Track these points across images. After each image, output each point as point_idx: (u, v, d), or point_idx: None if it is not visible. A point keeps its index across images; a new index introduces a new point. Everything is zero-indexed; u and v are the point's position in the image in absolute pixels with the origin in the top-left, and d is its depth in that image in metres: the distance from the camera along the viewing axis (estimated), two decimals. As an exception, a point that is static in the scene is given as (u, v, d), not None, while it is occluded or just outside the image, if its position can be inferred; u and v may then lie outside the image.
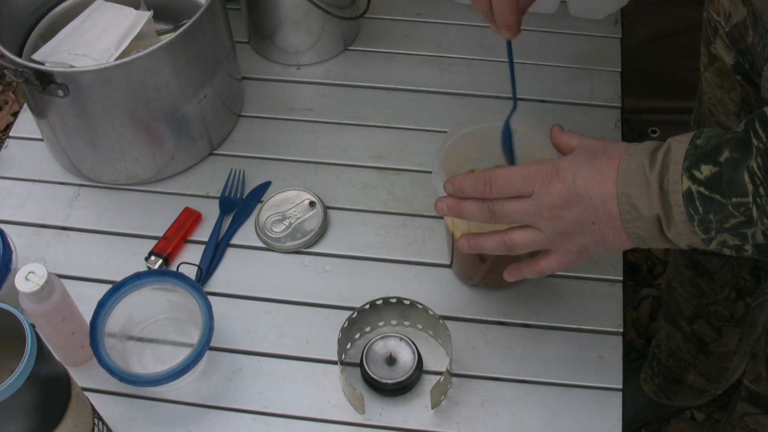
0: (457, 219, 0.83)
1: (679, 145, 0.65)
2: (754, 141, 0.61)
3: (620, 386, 0.86)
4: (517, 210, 0.72)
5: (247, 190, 1.02)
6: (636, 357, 1.55)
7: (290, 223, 0.97)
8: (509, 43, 0.81)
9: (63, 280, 0.81)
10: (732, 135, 0.63)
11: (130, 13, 1.02)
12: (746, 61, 0.88)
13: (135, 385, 0.81)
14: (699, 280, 1.19)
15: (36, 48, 1.02)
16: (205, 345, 0.82)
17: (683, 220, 0.65)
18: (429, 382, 0.85)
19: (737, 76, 0.90)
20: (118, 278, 0.95)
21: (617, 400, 0.85)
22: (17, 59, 0.89)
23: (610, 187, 0.67)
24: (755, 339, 1.26)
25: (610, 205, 0.68)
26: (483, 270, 0.89)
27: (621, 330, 0.89)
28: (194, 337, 0.86)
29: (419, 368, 0.85)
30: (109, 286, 0.94)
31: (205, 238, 0.97)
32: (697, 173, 0.63)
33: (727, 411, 1.23)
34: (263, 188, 1.02)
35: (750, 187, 0.61)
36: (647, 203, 0.66)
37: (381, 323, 0.90)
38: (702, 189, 0.63)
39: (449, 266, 0.94)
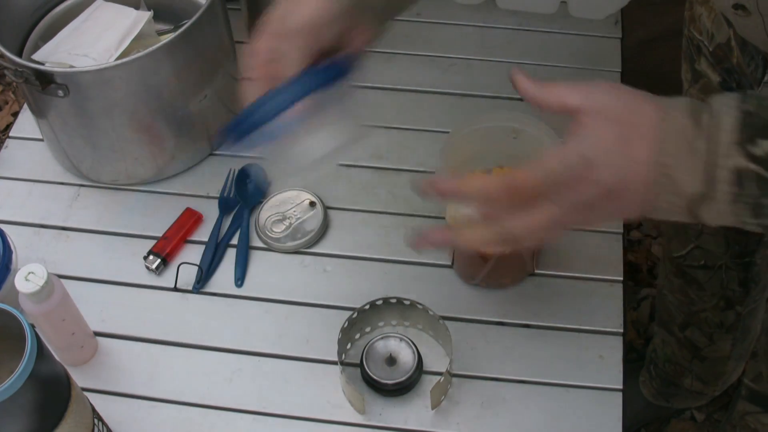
0: (459, 219, 0.83)
1: (728, 110, 0.55)
2: None
3: (620, 386, 0.85)
4: (542, 223, 0.60)
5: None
6: (636, 357, 1.55)
7: (290, 224, 0.97)
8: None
9: (63, 280, 0.81)
10: None
11: (130, 13, 1.02)
12: (732, 80, 0.88)
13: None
14: (688, 288, 1.19)
15: (36, 48, 1.02)
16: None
17: (727, 200, 0.55)
18: (429, 382, 0.85)
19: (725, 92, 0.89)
20: (118, 278, 0.95)
21: (617, 400, 0.85)
22: (17, 59, 0.89)
23: (645, 173, 0.57)
24: (754, 338, 1.26)
25: (644, 189, 0.58)
26: (485, 269, 0.89)
27: (621, 330, 0.89)
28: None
29: (419, 368, 0.85)
30: (109, 287, 0.94)
31: (206, 239, 0.97)
32: (754, 149, 0.53)
33: (728, 410, 1.23)
34: (263, 188, 1.02)
35: None
36: (690, 177, 0.55)
37: (381, 323, 0.90)
38: (760, 169, 0.53)
39: (450, 266, 0.94)
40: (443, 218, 0.91)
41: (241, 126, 0.65)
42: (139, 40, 1.00)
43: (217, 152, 1.06)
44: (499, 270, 0.89)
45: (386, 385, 0.84)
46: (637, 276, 1.72)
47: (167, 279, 0.94)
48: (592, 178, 0.57)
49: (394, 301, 0.87)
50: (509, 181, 0.59)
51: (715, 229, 1.07)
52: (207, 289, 0.94)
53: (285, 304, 0.93)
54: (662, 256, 1.25)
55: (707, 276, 1.14)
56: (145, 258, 0.95)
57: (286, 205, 0.99)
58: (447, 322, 0.85)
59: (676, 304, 1.24)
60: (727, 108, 0.55)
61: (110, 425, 0.81)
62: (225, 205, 1.00)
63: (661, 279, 1.28)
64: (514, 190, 0.59)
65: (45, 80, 0.89)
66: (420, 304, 0.86)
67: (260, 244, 0.97)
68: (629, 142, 0.57)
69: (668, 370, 1.37)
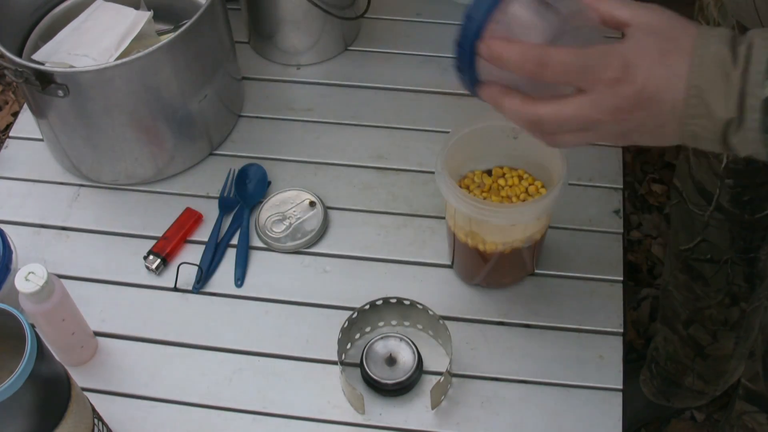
0: (459, 218, 0.83)
1: (763, 42, 0.56)
2: None
3: (620, 386, 0.85)
4: (574, 113, 0.60)
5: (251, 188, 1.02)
6: (636, 357, 1.55)
7: (290, 224, 0.97)
8: None
9: (63, 280, 0.81)
10: None
11: (130, 13, 1.02)
12: None
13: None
14: (693, 284, 1.19)
15: (36, 48, 1.02)
16: None
17: (756, 128, 0.56)
18: (429, 382, 0.85)
19: None
20: (118, 278, 0.95)
21: (617, 400, 0.85)
22: (17, 59, 0.89)
23: (683, 87, 0.58)
24: (752, 339, 1.26)
25: (679, 106, 0.58)
26: (485, 269, 0.89)
27: (621, 330, 0.89)
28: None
29: (419, 368, 0.85)
30: (109, 287, 0.94)
31: (206, 239, 0.97)
32: None
33: (727, 410, 1.23)
34: (263, 188, 1.02)
35: None
36: (723, 103, 0.57)
37: (381, 323, 0.90)
38: None
39: (450, 266, 0.94)
40: (443, 218, 0.91)
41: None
42: (139, 40, 1.00)
43: (217, 152, 1.06)
44: (499, 270, 0.89)
45: (386, 385, 0.84)
46: (637, 276, 1.72)
47: (167, 279, 0.94)
48: (627, 78, 0.58)
49: (394, 301, 0.87)
50: (543, 52, 0.59)
51: (719, 222, 1.08)
52: (207, 289, 0.94)
53: (285, 304, 0.93)
54: (668, 252, 1.24)
55: (713, 270, 1.14)
56: (145, 258, 0.95)
57: (286, 205, 0.99)
58: (447, 322, 0.85)
59: (681, 301, 1.24)
60: (762, 40, 0.56)
61: (110, 425, 0.81)
62: (225, 205, 1.00)
63: (666, 275, 1.28)
64: (547, 62, 0.59)
65: (45, 80, 0.89)
66: (420, 304, 0.86)
67: (260, 244, 0.97)
68: (669, 54, 0.58)
69: (670, 369, 1.37)
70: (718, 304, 1.19)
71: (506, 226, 0.81)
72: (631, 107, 0.59)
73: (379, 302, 0.87)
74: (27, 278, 0.76)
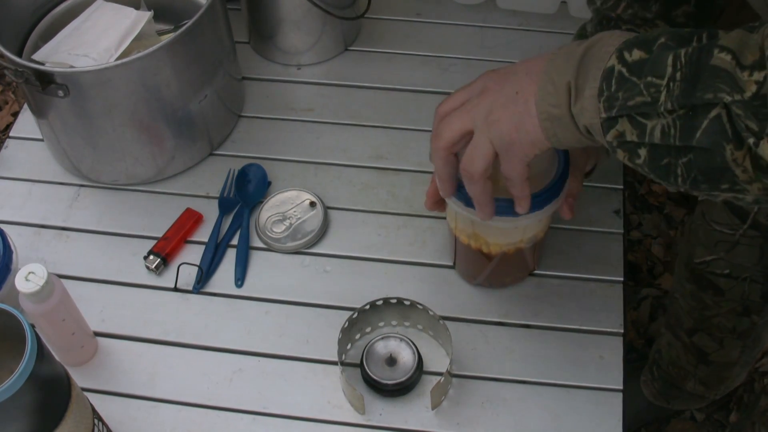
0: (461, 221, 0.83)
1: (618, 34, 0.63)
2: (695, 43, 0.58)
3: (620, 387, 0.85)
4: (453, 115, 0.72)
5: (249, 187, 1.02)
6: (636, 357, 1.55)
7: (291, 224, 0.97)
8: None
9: (63, 280, 0.81)
10: (678, 30, 0.60)
11: (130, 13, 1.02)
12: None
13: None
14: (702, 294, 1.17)
15: (36, 48, 1.02)
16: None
17: (593, 95, 0.61)
18: (429, 382, 0.85)
19: None
20: (118, 278, 0.95)
21: (617, 400, 0.85)
22: (17, 59, 0.89)
23: (540, 65, 0.66)
24: (759, 350, 1.25)
25: (533, 82, 0.66)
26: (488, 269, 0.89)
27: (621, 330, 0.89)
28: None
29: (419, 369, 0.85)
30: (109, 287, 0.94)
31: (206, 239, 0.97)
32: (627, 55, 0.60)
33: (747, 408, 1.22)
34: (263, 188, 1.02)
35: (669, 70, 0.57)
36: (563, 70, 0.63)
37: (381, 324, 0.90)
38: (624, 70, 0.60)
39: (451, 267, 0.94)
40: (443, 218, 0.91)
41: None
42: (139, 40, 1.00)
43: (217, 152, 1.06)
44: (501, 269, 0.89)
45: (386, 385, 0.84)
46: (637, 276, 1.72)
47: (167, 279, 0.94)
48: (486, 78, 0.71)
49: (394, 301, 0.87)
50: (435, 128, 0.75)
51: (751, 239, 1.06)
52: (207, 289, 0.94)
53: (285, 304, 0.93)
54: (678, 261, 1.23)
55: (729, 285, 1.13)
56: (145, 258, 0.95)
57: (286, 205, 0.99)
58: (447, 322, 0.85)
59: (686, 309, 1.23)
60: (617, 34, 0.63)
61: (110, 425, 0.81)
62: (225, 205, 1.00)
63: (674, 282, 1.27)
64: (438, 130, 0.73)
65: (45, 80, 0.89)
66: (420, 304, 0.86)
67: (260, 244, 0.97)
68: (516, 70, 0.69)
69: (672, 373, 1.37)
70: (729, 311, 1.17)
71: (509, 228, 0.81)
72: (498, 81, 0.69)
73: (380, 302, 0.87)
74: (27, 278, 0.76)
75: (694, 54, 0.56)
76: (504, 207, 0.75)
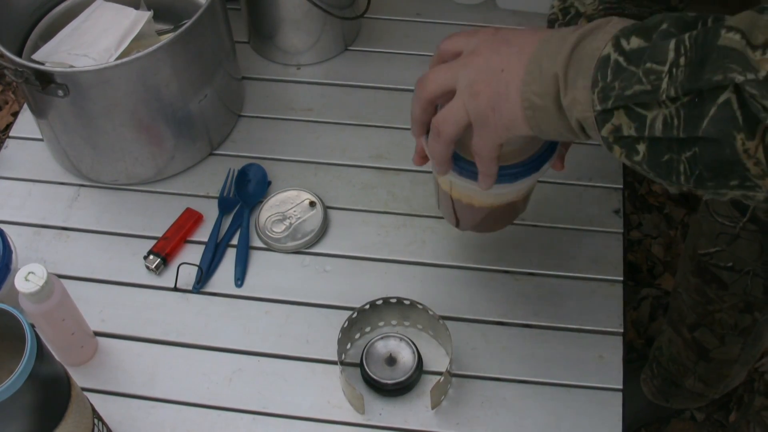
0: (445, 182, 0.80)
1: (625, 21, 0.59)
2: (700, 26, 0.53)
3: (620, 387, 0.86)
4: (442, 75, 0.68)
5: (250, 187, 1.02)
6: (636, 357, 1.55)
7: (291, 224, 0.97)
8: None
9: (63, 280, 0.81)
10: (680, 15, 0.56)
11: (130, 13, 1.02)
12: None
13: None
14: (706, 287, 1.17)
15: (36, 48, 1.02)
16: None
17: (586, 86, 0.57)
18: (429, 382, 0.85)
19: None
20: (118, 278, 0.95)
21: (617, 400, 0.85)
22: (17, 59, 0.89)
23: (533, 45, 0.62)
24: (759, 348, 1.25)
25: (521, 63, 0.62)
26: (476, 220, 0.84)
27: (621, 330, 0.89)
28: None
29: (419, 368, 0.85)
30: (109, 287, 0.94)
31: (205, 239, 0.97)
32: (624, 43, 0.56)
33: (742, 407, 1.22)
34: (263, 188, 1.02)
35: (671, 54, 0.53)
36: (552, 60, 0.59)
37: (381, 323, 0.90)
38: (621, 59, 0.55)
39: (451, 267, 0.94)
40: (443, 219, 0.91)
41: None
42: (139, 40, 1.00)
43: (216, 152, 1.06)
44: (490, 218, 0.82)
45: (386, 385, 0.84)
46: (637, 276, 1.72)
47: (167, 279, 0.95)
48: (484, 37, 0.67)
49: (394, 301, 0.87)
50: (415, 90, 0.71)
51: (751, 234, 1.05)
52: (207, 289, 0.94)
53: (285, 304, 0.93)
54: (682, 255, 1.23)
55: (732, 278, 1.13)
56: (145, 258, 0.95)
57: (286, 205, 0.99)
58: (447, 322, 0.85)
59: (689, 304, 1.23)
60: (614, 21, 0.59)
61: (110, 425, 0.81)
62: (225, 205, 1.00)
63: (678, 277, 1.26)
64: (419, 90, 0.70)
65: (45, 80, 0.89)
66: (420, 304, 0.86)
67: (260, 244, 0.97)
68: (511, 41, 0.65)
69: (671, 369, 1.37)
70: (731, 307, 1.17)
71: (498, 193, 0.78)
72: (485, 49, 0.65)
73: (379, 302, 0.87)
74: (27, 278, 0.76)
75: (699, 36, 0.52)
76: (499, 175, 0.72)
